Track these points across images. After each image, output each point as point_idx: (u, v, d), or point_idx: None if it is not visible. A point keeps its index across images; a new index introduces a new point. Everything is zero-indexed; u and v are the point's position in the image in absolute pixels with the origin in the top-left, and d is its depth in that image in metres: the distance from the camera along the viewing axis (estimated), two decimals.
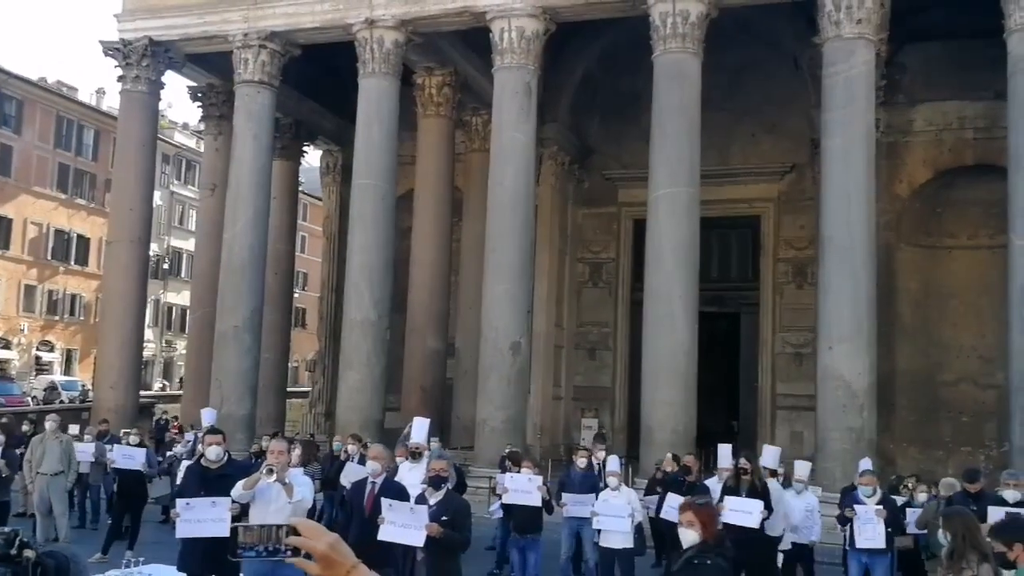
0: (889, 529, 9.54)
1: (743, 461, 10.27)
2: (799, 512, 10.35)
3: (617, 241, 25.56)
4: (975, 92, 20.17)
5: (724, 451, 11.74)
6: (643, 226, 18.30)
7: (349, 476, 11.59)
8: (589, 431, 24.66)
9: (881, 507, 9.54)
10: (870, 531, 9.48)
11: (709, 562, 4.61)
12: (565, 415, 25.23)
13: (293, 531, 2.00)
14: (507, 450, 14.29)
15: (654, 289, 16.84)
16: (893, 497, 10.36)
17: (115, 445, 13.67)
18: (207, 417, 14.87)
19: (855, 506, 9.65)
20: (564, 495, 10.81)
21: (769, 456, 10.88)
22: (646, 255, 17.41)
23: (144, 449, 13.15)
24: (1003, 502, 8.65)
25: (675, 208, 16.69)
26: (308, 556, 1.99)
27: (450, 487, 7.91)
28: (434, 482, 7.58)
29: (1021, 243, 15.07)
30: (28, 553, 2.49)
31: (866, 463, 11.34)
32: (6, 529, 2.54)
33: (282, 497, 6.94)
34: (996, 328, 18.24)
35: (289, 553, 2.01)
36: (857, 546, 9.67)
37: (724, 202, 22.23)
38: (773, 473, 10.55)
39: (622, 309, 25.22)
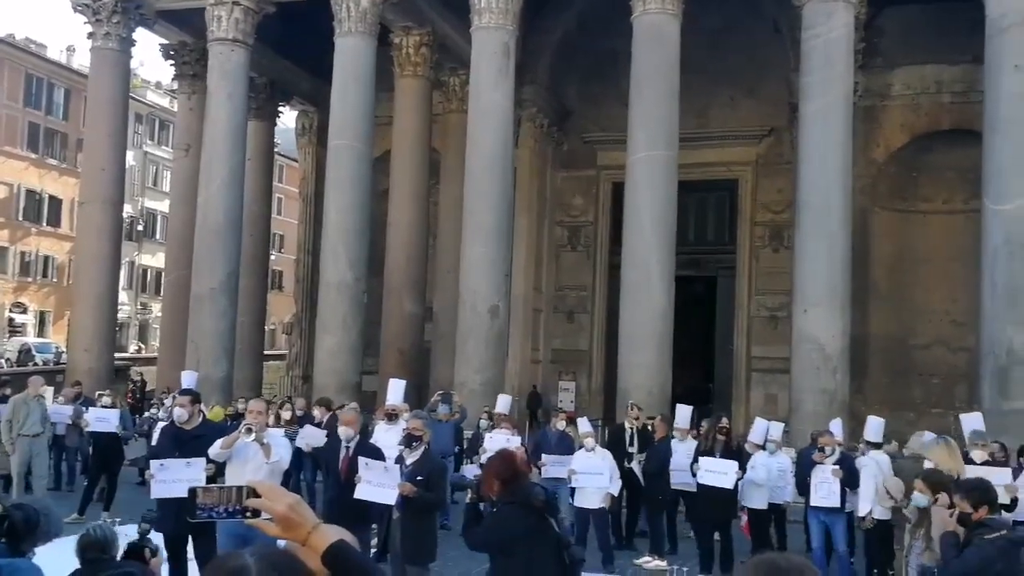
0: (846, 488, 9.70)
1: (724, 422, 10.39)
2: (773, 472, 10.49)
3: (596, 204, 25.49)
4: (953, 56, 20.17)
5: (683, 411, 11.87)
6: (622, 189, 18.26)
7: (306, 438, 11.63)
8: (567, 393, 24.86)
9: (837, 467, 9.69)
10: (825, 490, 9.66)
11: (494, 509, 5.18)
12: (543, 378, 25.33)
13: (253, 492, 1.98)
14: (484, 412, 14.36)
15: (631, 252, 16.86)
16: (852, 456, 10.45)
17: (89, 408, 13.58)
18: (187, 379, 14.81)
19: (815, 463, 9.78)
20: (543, 456, 10.89)
21: (763, 430, 10.90)
22: (624, 219, 17.40)
23: (118, 411, 13.05)
24: (971, 462, 8.80)
25: (653, 172, 16.65)
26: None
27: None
28: (407, 440, 7.62)
29: (994, 208, 15.16)
30: None
31: (836, 425, 11.47)
32: None
33: (259, 457, 6.95)
34: (968, 292, 18.43)
35: (248, 514, 1.98)
36: (812, 504, 9.86)
37: (702, 165, 22.16)
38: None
39: (600, 272, 25.22)
